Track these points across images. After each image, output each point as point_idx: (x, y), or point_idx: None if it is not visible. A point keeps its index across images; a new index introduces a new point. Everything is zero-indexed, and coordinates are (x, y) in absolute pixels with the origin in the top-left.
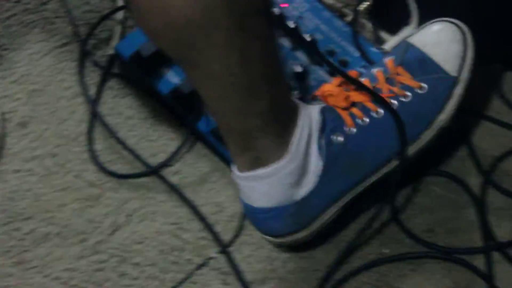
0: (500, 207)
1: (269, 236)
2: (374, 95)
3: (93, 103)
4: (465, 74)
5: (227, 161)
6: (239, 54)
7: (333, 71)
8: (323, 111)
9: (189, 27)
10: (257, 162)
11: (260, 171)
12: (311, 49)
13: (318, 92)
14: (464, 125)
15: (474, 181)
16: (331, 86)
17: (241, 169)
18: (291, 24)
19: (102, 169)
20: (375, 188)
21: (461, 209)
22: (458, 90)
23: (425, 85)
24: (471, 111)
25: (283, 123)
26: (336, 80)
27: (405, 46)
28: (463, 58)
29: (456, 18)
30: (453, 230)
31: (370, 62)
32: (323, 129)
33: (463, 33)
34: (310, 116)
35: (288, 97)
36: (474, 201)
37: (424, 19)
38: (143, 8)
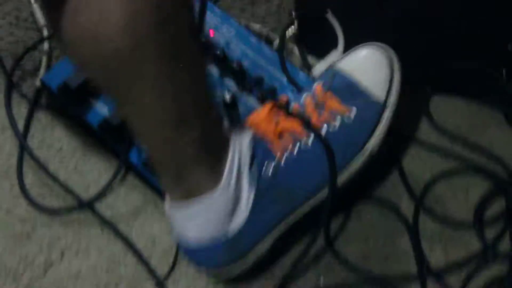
0: (433, 233)
1: (204, 268)
2: (303, 122)
3: (21, 136)
4: (393, 99)
5: (160, 193)
6: (169, 85)
7: (263, 99)
8: (252, 142)
9: (118, 57)
10: (190, 193)
11: (193, 202)
12: (239, 76)
13: (247, 121)
14: (394, 149)
15: (407, 206)
16: (260, 114)
17: (173, 201)
18: (218, 52)
19: (33, 204)
20: (308, 216)
21: (394, 236)
22: (387, 115)
23: (353, 111)
24: (401, 135)
25: (215, 153)
26: (266, 107)
27: (333, 71)
28: (391, 83)
29: (381, 41)
30: (388, 257)
31: (298, 87)
32: (252, 160)
33: (390, 58)
34: (240, 147)
35: (220, 127)
36: (407, 227)
37: (351, 42)
38: (71, 37)
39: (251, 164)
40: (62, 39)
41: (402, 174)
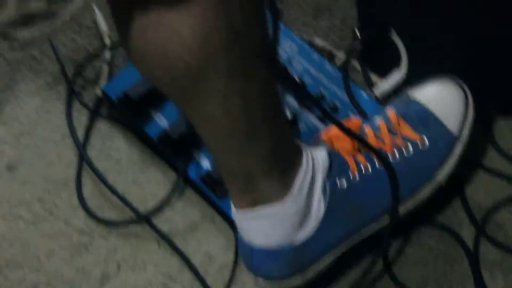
0: (494, 260)
1: (263, 277)
2: (373, 150)
3: (81, 146)
4: (465, 133)
5: (217, 208)
6: (239, 99)
7: (323, 117)
8: (330, 154)
9: (189, 73)
10: (258, 201)
11: (261, 210)
12: (303, 94)
13: (323, 135)
14: (457, 174)
15: (467, 233)
16: (338, 130)
17: (240, 208)
18: (281, 68)
19: (91, 215)
20: (369, 239)
21: (454, 262)
22: (458, 148)
23: (426, 140)
24: (465, 159)
25: (285, 165)
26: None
27: (407, 99)
28: (465, 117)
29: (445, 63)
30: (447, 283)
31: (359, 108)
32: (328, 173)
33: (465, 93)
34: (314, 159)
35: (290, 139)
36: (467, 254)
37: (414, 63)
38: (141, 53)
39: (326, 177)
40: (132, 54)
41: (464, 200)
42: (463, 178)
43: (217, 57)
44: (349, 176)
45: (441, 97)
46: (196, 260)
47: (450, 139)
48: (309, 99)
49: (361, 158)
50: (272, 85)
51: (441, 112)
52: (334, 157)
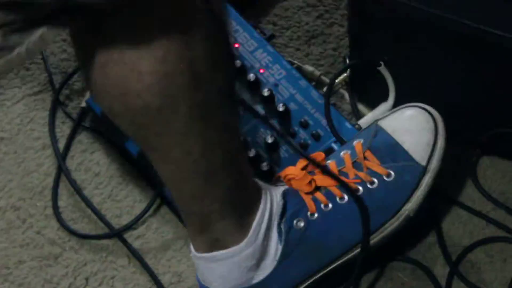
0: None
1: None
2: (339, 181)
3: (61, 157)
4: (434, 164)
5: None
6: (199, 141)
7: (306, 145)
8: (285, 195)
9: (147, 112)
10: (215, 244)
11: (218, 253)
12: (283, 119)
13: (281, 174)
14: (434, 209)
15: (441, 270)
16: (295, 170)
17: (198, 250)
18: (266, 92)
19: (64, 227)
20: (337, 272)
21: None
22: (427, 180)
23: (392, 173)
24: (443, 195)
25: (243, 207)
26: (301, 163)
27: (375, 129)
28: (433, 147)
29: (433, 99)
30: None
31: (338, 137)
32: (283, 213)
33: (435, 121)
34: (272, 200)
35: (249, 181)
36: None
37: (402, 96)
38: (101, 88)
39: (281, 216)
40: (92, 88)
41: (440, 236)
42: (441, 214)
43: (177, 98)
44: (307, 215)
45: (408, 127)
46: (165, 280)
47: (418, 171)
48: (275, 131)
49: (320, 196)
50: (233, 129)
51: (408, 142)
52: (290, 197)
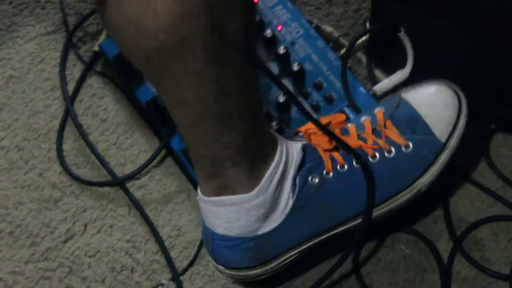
0: (466, 278)
1: (222, 266)
2: (350, 150)
3: (69, 100)
4: (453, 142)
5: (195, 184)
6: (213, 85)
7: (317, 106)
8: (304, 149)
9: (162, 51)
10: (224, 189)
11: (227, 198)
12: (298, 79)
13: (302, 129)
14: (444, 184)
15: (444, 245)
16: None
17: (206, 194)
18: (281, 50)
19: (67, 171)
20: (341, 237)
21: (425, 273)
22: (444, 157)
23: (411, 144)
24: (454, 170)
25: (256, 156)
26: (323, 120)
27: (398, 100)
28: (455, 126)
29: (451, 72)
30: None
31: (352, 103)
32: (300, 167)
33: (459, 100)
34: (288, 152)
35: (264, 131)
36: (440, 267)
37: (420, 66)
38: (115, 24)
39: (297, 172)
40: (106, 24)
41: (446, 210)
42: (449, 188)
43: (193, 41)
44: (322, 173)
45: (432, 102)
46: (164, 232)
47: (437, 147)
48: (285, 92)
49: (337, 156)
50: (248, 77)
51: (430, 117)
52: (309, 152)
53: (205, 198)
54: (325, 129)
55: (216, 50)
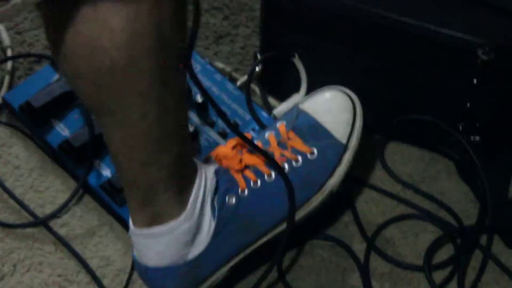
0: (383, 272)
1: None
2: (267, 158)
3: None
4: (354, 141)
5: (115, 216)
6: (156, 105)
7: (224, 133)
8: (217, 173)
9: (113, 70)
10: (155, 219)
11: (157, 229)
12: (202, 110)
13: (212, 153)
14: (349, 191)
15: (358, 246)
16: (225, 148)
17: (138, 226)
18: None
19: None
20: (263, 248)
21: (345, 273)
22: (347, 156)
23: (315, 151)
24: (356, 178)
25: (184, 180)
26: (230, 143)
27: (297, 111)
28: (352, 126)
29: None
30: None
31: (261, 124)
32: (216, 190)
33: (353, 103)
34: (206, 176)
35: (191, 154)
36: (358, 266)
37: (313, 87)
38: (69, 48)
39: (214, 193)
40: (59, 48)
41: (356, 215)
42: (355, 195)
43: (143, 58)
44: (238, 192)
45: (328, 108)
46: (93, 263)
47: (339, 148)
48: (216, 110)
49: (249, 174)
50: (184, 98)
51: (329, 122)
52: (222, 174)
53: (137, 231)
54: (251, 143)
55: (162, 68)
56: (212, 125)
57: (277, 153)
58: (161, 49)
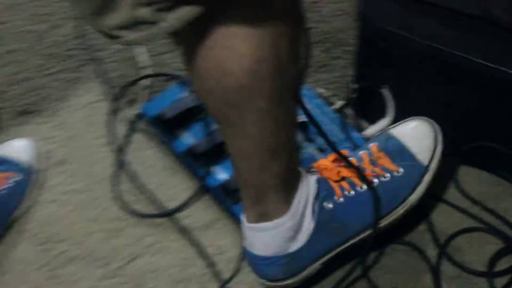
0: (451, 276)
1: (264, 279)
2: (359, 173)
3: (119, 152)
4: (434, 164)
5: (229, 212)
6: (273, 121)
7: (321, 149)
8: (318, 181)
9: (239, 90)
10: (264, 216)
11: (265, 224)
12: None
13: (315, 165)
14: (425, 205)
15: (431, 252)
16: (326, 161)
17: (249, 221)
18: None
19: (125, 207)
20: (351, 249)
21: (419, 274)
22: (428, 177)
23: (401, 170)
24: (432, 194)
25: (291, 185)
26: (330, 157)
27: (387, 135)
28: (434, 152)
29: (428, 117)
30: None
31: (352, 143)
32: (317, 196)
33: (435, 131)
34: (308, 183)
35: (298, 164)
36: (430, 268)
37: (399, 114)
38: (202, 68)
39: (315, 200)
40: (193, 69)
41: (430, 225)
42: (430, 208)
43: (263, 81)
44: (334, 199)
45: (414, 135)
46: (209, 251)
47: (421, 170)
48: (319, 131)
49: (345, 184)
50: (294, 116)
51: (414, 146)
52: (322, 183)
53: (248, 226)
54: (346, 159)
55: (279, 89)
56: (311, 141)
57: (368, 169)
58: (279, 75)
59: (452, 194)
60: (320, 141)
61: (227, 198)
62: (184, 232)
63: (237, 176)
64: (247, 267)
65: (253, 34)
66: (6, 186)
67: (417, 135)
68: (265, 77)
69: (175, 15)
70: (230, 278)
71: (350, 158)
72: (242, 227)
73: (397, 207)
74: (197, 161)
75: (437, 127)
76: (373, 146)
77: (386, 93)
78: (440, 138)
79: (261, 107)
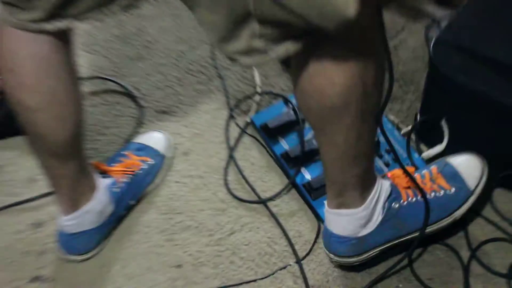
0: (478, 274)
1: (333, 254)
2: (418, 187)
3: (231, 150)
4: (479, 190)
5: (310, 206)
6: (356, 133)
7: (387, 164)
8: (391, 186)
9: (332, 108)
10: (343, 205)
11: (344, 211)
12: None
13: (389, 173)
14: (464, 216)
15: (464, 253)
16: (399, 172)
17: (330, 207)
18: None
19: (230, 193)
20: (401, 244)
21: (452, 270)
22: (472, 198)
23: (453, 189)
24: (471, 208)
25: (366, 185)
26: (401, 170)
27: (445, 162)
28: (480, 180)
29: (473, 148)
30: (446, 282)
31: (413, 163)
32: (388, 197)
33: (484, 164)
34: (381, 185)
35: (373, 168)
36: (462, 266)
37: (451, 143)
38: (305, 90)
39: (386, 199)
40: (298, 90)
41: (465, 232)
42: (467, 220)
43: (351, 104)
44: (400, 201)
45: (467, 165)
46: (290, 234)
47: (468, 192)
48: (391, 149)
49: (409, 192)
50: (374, 131)
51: (465, 174)
52: (393, 188)
53: (330, 210)
54: (409, 174)
55: (362, 110)
56: (380, 156)
57: (428, 184)
58: (364, 99)
59: (486, 210)
60: (387, 157)
61: (309, 194)
62: (273, 217)
63: (325, 173)
64: (318, 249)
65: (345, 66)
66: (143, 167)
67: (469, 165)
68: (352, 101)
69: (280, 47)
70: (304, 257)
71: (416, 174)
72: (325, 211)
73: (443, 218)
74: (290, 163)
75: (484, 161)
76: (433, 168)
77: (444, 125)
78: (486, 171)
79: (348, 123)
